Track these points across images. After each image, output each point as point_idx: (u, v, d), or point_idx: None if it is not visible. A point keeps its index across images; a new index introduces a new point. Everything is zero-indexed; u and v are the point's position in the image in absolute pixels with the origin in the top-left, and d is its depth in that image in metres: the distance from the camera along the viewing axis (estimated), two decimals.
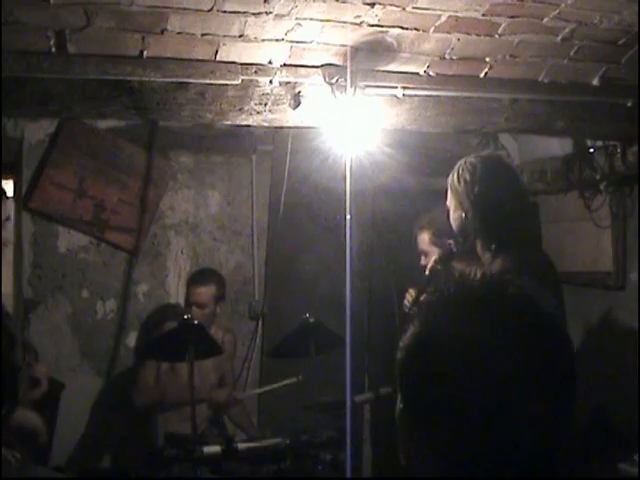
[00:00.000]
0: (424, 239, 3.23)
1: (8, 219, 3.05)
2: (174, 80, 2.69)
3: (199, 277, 3.90)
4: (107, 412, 4.07)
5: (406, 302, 3.06)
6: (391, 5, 2.51)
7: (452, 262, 2.68)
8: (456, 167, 2.54)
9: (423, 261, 3.22)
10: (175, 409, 3.73)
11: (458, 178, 2.50)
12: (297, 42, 2.67)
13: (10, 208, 4.15)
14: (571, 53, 2.90)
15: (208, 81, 2.72)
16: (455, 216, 2.53)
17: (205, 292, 3.81)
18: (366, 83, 2.83)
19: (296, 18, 2.53)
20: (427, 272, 2.78)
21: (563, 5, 2.58)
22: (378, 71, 2.86)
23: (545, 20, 2.67)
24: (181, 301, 4.07)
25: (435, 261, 2.73)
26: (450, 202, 2.56)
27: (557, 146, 3.98)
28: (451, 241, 2.66)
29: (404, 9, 2.53)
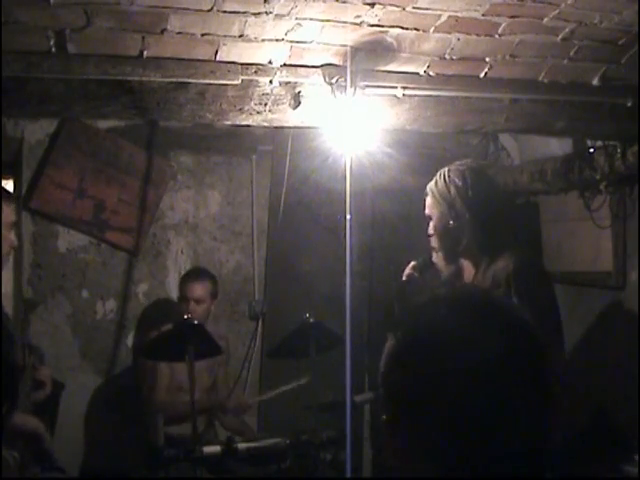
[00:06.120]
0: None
1: (15, 223, 3.02)
2: (174, 80, 2.69)
3: (193, 274, 3.96)
4: (107, 412, 4.07)
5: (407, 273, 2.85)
6: (391, 5, 2.50)
7: (429, 270, 2.65)
8: (440, 176, 2.55)
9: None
10: (177, 412, 3.73)
11: (447, 185, 2.51)
12: (297, 42, 2.67)
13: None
14: (571, 53, 2.90)
15: (208, 81, 2.72)
16: (440, 223, 2.53)
17: (202, 287, 3.86)
18: (366, 83, 2.82)
19: (296, 18, 2.53)
20: (404, 278, 2.74)
21: (563, 5, 2.58)
22: (378, 71, 2.85)
23: (545, 20, 2.67)
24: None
25: (413, 268, 2.70)
26: (432, 210, 2.55)
27: (557, 146, 3.97)
28: (432, 247, 2.62)
29: (404, 9, 2.53)
